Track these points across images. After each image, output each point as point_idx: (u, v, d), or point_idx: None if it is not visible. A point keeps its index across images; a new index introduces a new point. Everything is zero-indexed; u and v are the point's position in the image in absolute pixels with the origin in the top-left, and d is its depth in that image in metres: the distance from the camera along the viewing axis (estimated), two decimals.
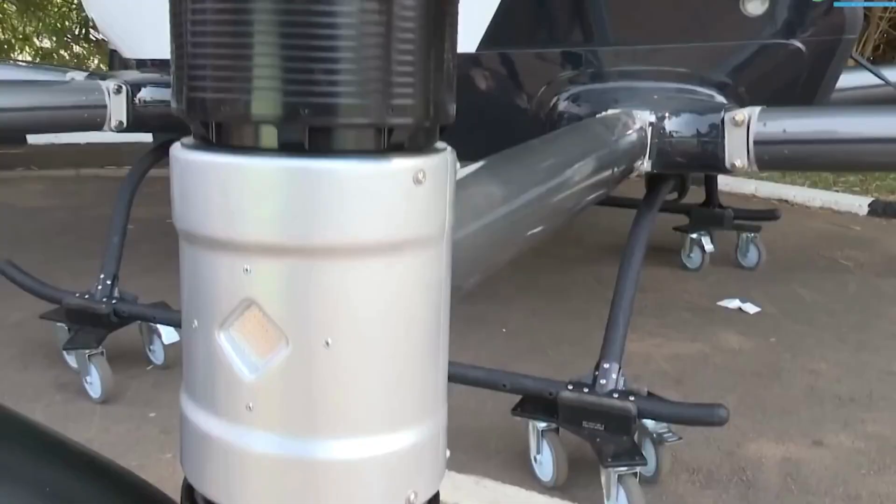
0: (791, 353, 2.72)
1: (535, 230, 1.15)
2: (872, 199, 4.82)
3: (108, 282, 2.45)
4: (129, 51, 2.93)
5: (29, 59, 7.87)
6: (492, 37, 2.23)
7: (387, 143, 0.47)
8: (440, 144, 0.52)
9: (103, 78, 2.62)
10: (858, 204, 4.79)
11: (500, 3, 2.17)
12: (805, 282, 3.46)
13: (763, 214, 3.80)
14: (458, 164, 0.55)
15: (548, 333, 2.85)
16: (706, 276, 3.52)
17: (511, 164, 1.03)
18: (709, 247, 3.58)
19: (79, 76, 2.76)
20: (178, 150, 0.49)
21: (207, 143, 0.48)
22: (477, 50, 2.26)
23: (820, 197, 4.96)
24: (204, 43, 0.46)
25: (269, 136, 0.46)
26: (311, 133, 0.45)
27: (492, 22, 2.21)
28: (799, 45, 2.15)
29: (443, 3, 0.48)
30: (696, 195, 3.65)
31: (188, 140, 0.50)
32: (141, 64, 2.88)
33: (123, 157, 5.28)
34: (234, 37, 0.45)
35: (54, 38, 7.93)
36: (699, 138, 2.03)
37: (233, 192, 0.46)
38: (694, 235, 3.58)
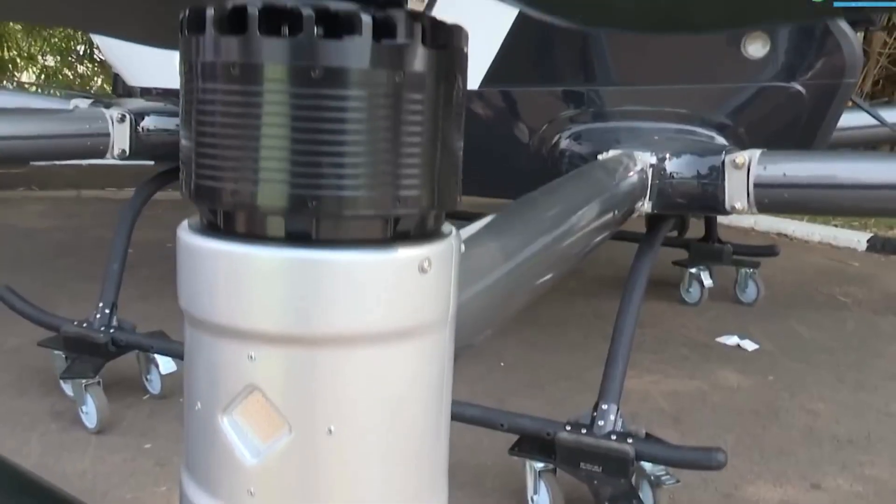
0: (789, 391, 2.72)
1: (542, 280, 1.16)
2: (871, 234, 4.83)
3: (107, 310, 2.44)
4: (134, 78, 2.94)
5: (34, 77, 7.90)
6: (495, 74, 2.24)
7: (393, 233, 0.48)
8: (446, 228, 0.52)
9: (107, 106, 2.64)
10: (857, 239, 4.80)
11: (504, 41, 2.19)
12: (803, 318, 3.46)
13: (762, 250, 3.80)
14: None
15: (546, 368, 2.84)
16: (705, 312, 3.52)
17: (514, 220, 1.03)
18: (708, 282, 3.58)
19: (83, 103, 2.77)
20: (184, 233, 0.49)
21: (215, 228, 0.48)
22: (480, 87, 2.27)
23: (819, 232, 4.97)
24: (214, 133, 0.46)
25: (276, 226, 0.46)
26: (318, 223, 0.46)
27: (495, 59, 2.23)
28: (799, 87, 2.17)
29: (449, 92, 0.49)
30: (695, 229, 3.66)
31: (194, 222, 0.50)
32: (145, 92, 2.89)
33: (124, 179, 5.30)
34: (243, 128, 0.45)
35: (59, 58, 7.98)
36: (699, 180, 2.04)
37: (239, 280, 0.46)
38: (693, 270, 3.58)
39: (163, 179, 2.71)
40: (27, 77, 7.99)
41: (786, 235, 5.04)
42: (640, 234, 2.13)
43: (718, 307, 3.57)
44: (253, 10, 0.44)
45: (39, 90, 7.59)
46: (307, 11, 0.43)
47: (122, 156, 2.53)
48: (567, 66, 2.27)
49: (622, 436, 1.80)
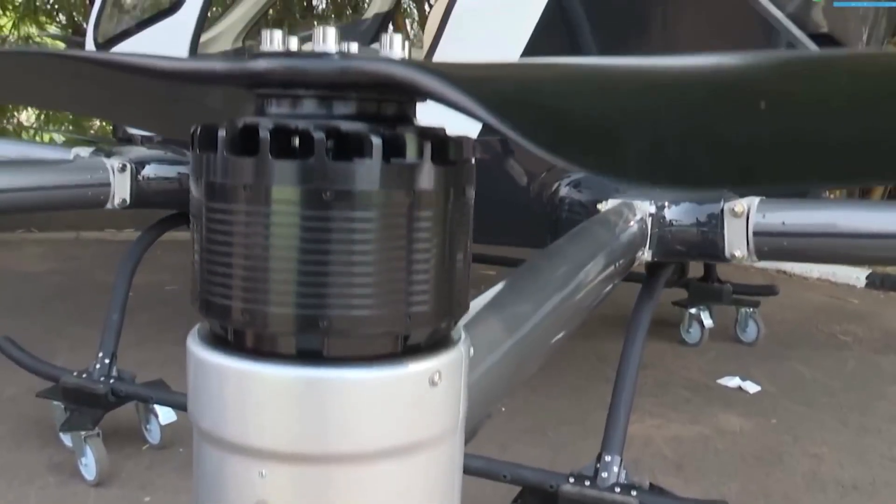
0: (792, 435, 2.70)
1: (552, 343, 1.16)
2: (870, 271, 4.84)
3: (107, 360, 2.43)
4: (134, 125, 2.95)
5: (33, 117, 7.93)
6: None
7: (403, 347, 0.48)
8: (455, 334, 0.52)
9: (108, 155, 2.65)
10: (856, 276, 4.80)
11: None
12: (804, 359, 3.45)
13: (762, 290, 3.80)
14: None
15: (548, 412, 2.83)
16: (705, 352, 3.51)
17: (520, 289, 1.03)
18: (708, 322, 3.58)
19: (83, 152, 2.78)
20: (194, 344, 0.49)
21: (224, 341, 0.48)
22: (479, 135, 2.28)
23: (818, 268, 4.97)
24: (224, 251, 0.46)
25: (287, 344, 0.46)
26: (328, 342, 0.46)
27: None
28: None
29: (459, 205, 0.49)
30: (695, 267, 3.66)
31: (204, 331, 0.50)
32: (146, 139, 2.91)
33: (124, 221, 5.30)
34: (254, 247, 0.45)
35: None
36: (699, 227, 2.04)
37: (249, 397, 0.46)
38: (693, 310, 3.58)
39: (163, 227, 2.71)
40: (26, 117, 8.02)
41: (784, 272, 5.05)
42: (640, 273, 2.12)
43: (718, 347, 3.56)
44: (265, 134, 0.44)
45: (40, 129, 7.62)
46: (318, 135, 0.44)
47: (122, 205, 2.54)
48: None
49: (626, 488, 1.78)
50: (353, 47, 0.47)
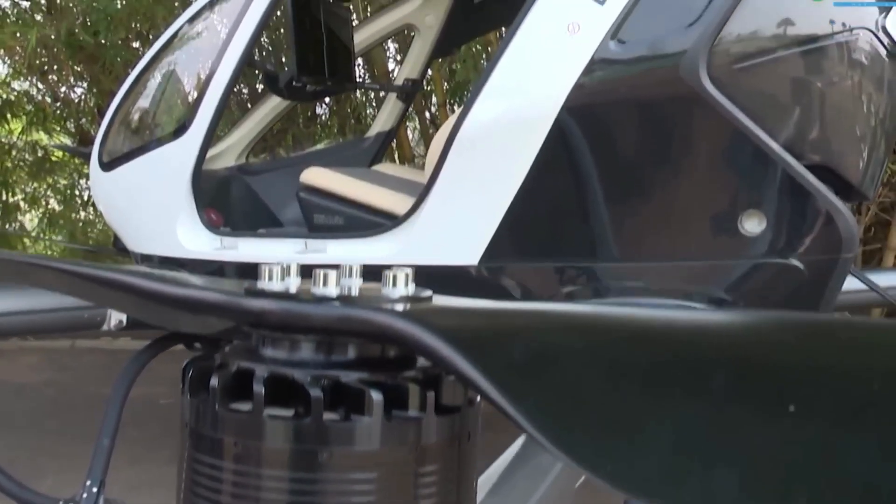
0: None
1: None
2: None
3: (94, 489, 2.34)
4: (135, 245, 2.96)
5: (36, 221, 7.98)
6: (494, 250, 2.26)
7: None
8: None
9: None
10: None
11: (504, 218, 2.22)
12: None
13: None
14: None
15: None
16: None
17: (524, 466, 1.00)
18: None
19: None
20: None
21: None
22: (479, 263, 2.28)
23: None
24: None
25: None
26: None
27: (494, 236, 2.24)
28: (797, 263, 2.18)
29: (464, 451, 0.46)
30: None
31: None
32: (145, 258, 2.90)
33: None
34: None
35: (62, 202, 8.10)
36: None
37: None
38: None
39: (157, 348, 2.66)
40: (29, 221, 8.08)
41: None
42: None
43: None
44: (259, 388, 0.42)
45: (42, 234, 7.67)
46: (315, 393, 0.41)
47: (118, 326, 2.51)
48: (565, 242, 2.28)
49: None
50: (356, 287, 0.45)
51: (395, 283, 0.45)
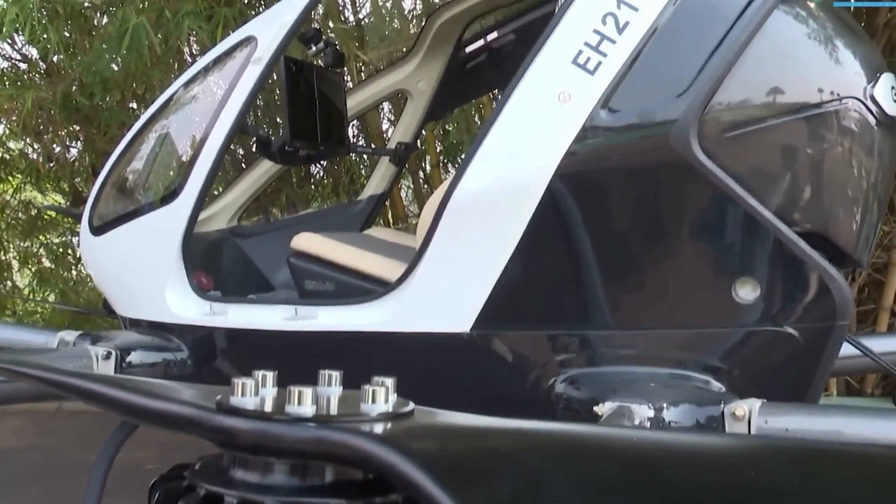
0: None
1: None
2: None
3: None
4: (124, 309, 2.94)
5: (27, 280, 7.93)
6: (486, 317, 2.24)
7: None
8: None
9: (94, 340, 2.61)
10: None
11: (496, 285, 2.20)
12: None
13: None
14: None
15: None
16: None
17: None
18: None
19: (69, 336, 2.74)
20: None
21: None
22: (471, 329, 2.26)
23: None
24: None
25: None
26: None
27: (486, 302, 2.23)
28: (792, 331, 2.16)
29: None
30: None
31: None
32: (134, 323, 2.87)
33: None
34: None
35: (54, 260, 8.07)
36: (700, 431, 1.99)
37: None
38: None
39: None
40: (21, 279, 8.04)
41: None
42: None
43: None
44: None
45: (32, 294, 7.62)
46: None
47: None
48: (559, 309, 2.26)
49: None
50: (334, 399, 0.42)
51: (374, 399, 0.43)
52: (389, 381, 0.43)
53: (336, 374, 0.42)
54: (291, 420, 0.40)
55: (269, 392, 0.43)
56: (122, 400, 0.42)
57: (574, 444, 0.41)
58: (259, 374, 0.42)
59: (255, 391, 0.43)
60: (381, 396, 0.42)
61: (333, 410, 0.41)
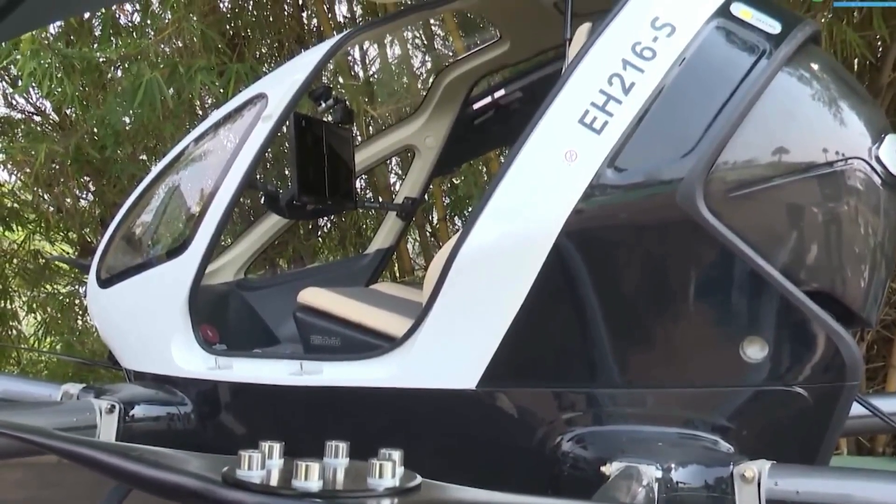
0: None
1: None
2: None
3: None
4: (129, 361, 2.93)
5: (32, 329, 7.93)
6: (492, 374, 2.22)
7: None
8: None
9: (98, 393, 2.60)
10: None
11: (502, 342, 2.19)
12: None
13: None
14: None
15: None
16: None
17: None
18: None
19: (73, 389, 2.73)
20: None
21: None
22: (477, 386, 2.25)
23: None
24: None
25: None
26: None
27: (492, 359, 2.22)
28: (801, 391, 2.14)
29: None
30: None
31: None
32: (138, 376, 2.87)
33: None
34: None
35: (60, 310, 8.07)
36: (708, 492, 1.96)
37: None
38: None
39: None
40: (26, 327, 8.04)
41: None
42: None
43: None
44: None
45: (38, 342, 7.61)
46: None
47: None
48: (566, 368, 2.25)
49: None
50: (340, 471, 0.42)
51: (381, 474, 0.42)
52: (397, 455, 0.43)
53: (343, 446, 0.42)
54: (297, 495, 0.40)
55: (276, 464, 0.43)
56: (128, 470, 0.42)
57: None
58: (266, 445, 0.42)
59: (262, 463, 0.43)
60: (388, 471, 0.42)
61: (340, 485, 0.41)
